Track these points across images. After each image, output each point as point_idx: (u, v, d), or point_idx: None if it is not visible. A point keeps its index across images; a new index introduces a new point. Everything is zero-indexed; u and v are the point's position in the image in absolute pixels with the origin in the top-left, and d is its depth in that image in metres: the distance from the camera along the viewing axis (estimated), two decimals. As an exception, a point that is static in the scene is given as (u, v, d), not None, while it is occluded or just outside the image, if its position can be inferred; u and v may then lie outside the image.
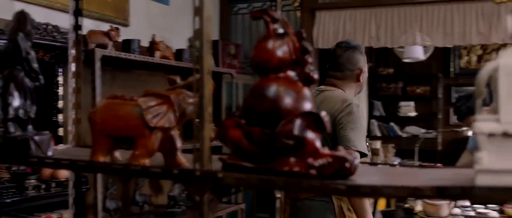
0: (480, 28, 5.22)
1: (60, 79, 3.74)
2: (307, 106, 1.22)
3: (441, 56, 8.09)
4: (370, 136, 8.29)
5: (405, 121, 8.39)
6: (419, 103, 8.26)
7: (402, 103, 8.35)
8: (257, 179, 1.17)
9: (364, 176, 1.23)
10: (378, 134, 8.45)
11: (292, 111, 1.19)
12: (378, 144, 7.30)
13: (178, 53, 4.91)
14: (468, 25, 5.28)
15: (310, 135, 1.19)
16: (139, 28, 4.79)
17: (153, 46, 4.49)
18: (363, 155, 2.64)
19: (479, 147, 1.07)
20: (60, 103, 3.76)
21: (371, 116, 8.48)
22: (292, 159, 1.18)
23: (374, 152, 7.06)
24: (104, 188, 3.98)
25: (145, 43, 4.54)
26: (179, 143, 1.37)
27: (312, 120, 1.19)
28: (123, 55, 3.89)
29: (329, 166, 1.17)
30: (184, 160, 1.36)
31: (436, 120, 8.21)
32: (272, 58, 1.22)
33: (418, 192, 1.06)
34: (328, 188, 1.12)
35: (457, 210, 3.98)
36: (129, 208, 4.38)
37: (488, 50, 7.86)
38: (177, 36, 5.33)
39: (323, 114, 1.20)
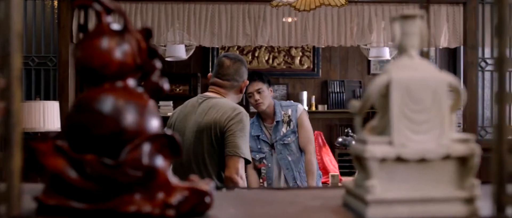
0: (246, 29, 5.31)
1: None
2: (156, 125, 0.95)
3: (200, 55, 8.16)
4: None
5: (164, 121, 8.24)
6: (179, 103, 8.14)
7: (161, 103, 8.20)
8: (94, 226, 0.87)
9: (227, 208, 1.00)
10: (137, 133, 8.18)
11: (139, 133, 0.91)
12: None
13: None
14: (235, 26, 5.32)
15: (161, 163, 0.92)
16: None
17: None
18: (247, 162, 2.76)
19: (370, 173, 0.92)
20: None
21: (129, 115, 8.16)
22: (138, 196, 0.90)
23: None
24: None
25: None
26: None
27: (164, 144, 0.92)
28: None
29: (186, 202, 0.92)
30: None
31: (195, 119, 8.19)
32: (110, 62, 0.92)
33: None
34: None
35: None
36: None
37: (245, 52, 8.15)
38: None
39: (177, 136, 0.94)
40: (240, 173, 2.68)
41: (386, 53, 6.77)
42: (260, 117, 4.02)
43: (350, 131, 6.26)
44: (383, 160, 0.92)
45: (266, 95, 3.88)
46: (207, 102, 2.88)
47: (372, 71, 8.40)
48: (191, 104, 2.95)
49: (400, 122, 0.92)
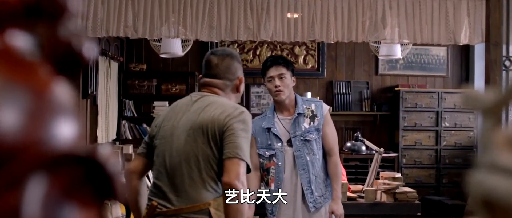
0: (248, 23, 4.79)
1: None
2: (68, 135, 0.44)
3: (198, 53, 7.64)
4: (121, 140, 7.51)
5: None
6: (175, 104, 7.66)
7: (156, 103, 7.69)
8: None
9: None
10: (130, 136, 7.63)
11: (24, 150, 0.41)
12: (130, 149, 6.57)
13: None
14: (235, 19, 4.81)
15: (77, 216, 0.42)
16: None
17: None
18: (248, 169, 2.39)
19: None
20: None
21: (121, 117, 7.67)
22: None
23: (127, 158, 6.32)
24: None
25: None
26: None
27: (82, 175, 0.42)
28: None
29: None
30: None
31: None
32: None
33: None
34: None
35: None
36: None
37: (246, 49, 7.64)
38: None
39: (108, 160, 0.44)
40: (241, 179, 2.27)
41: (398, 52, 6.27)
42: (275, 108, 3.57)
43: (359, 135, 5.76)
44: None
45: (288, 84, 3.46)
46: (204, 100, 2.49)
47: (380, 72, 7.93)
48: (182, 104, 2.54)
49: None
